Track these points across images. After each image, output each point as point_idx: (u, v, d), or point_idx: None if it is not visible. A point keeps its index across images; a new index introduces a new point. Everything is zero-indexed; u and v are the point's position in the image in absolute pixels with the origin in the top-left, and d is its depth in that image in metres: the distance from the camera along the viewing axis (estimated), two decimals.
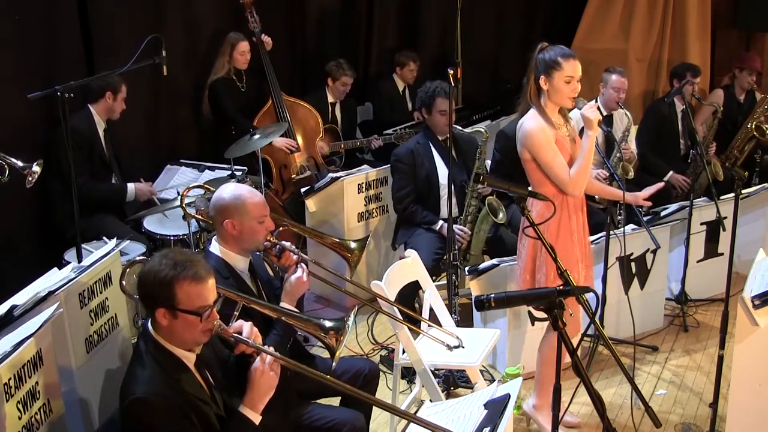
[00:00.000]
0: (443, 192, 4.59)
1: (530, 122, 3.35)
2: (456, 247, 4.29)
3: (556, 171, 3.34)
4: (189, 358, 2.39)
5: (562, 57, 3.29)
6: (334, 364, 2.58)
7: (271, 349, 2.39)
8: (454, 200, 4.56)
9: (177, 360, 2.35)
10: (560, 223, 3.39)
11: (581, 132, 3.55)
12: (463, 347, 3.49)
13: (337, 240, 3.46)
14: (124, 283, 2.79)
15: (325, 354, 2.73)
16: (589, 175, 3.42)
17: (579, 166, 3.35)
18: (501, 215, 4.39)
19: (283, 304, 2.90)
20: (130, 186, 4.57)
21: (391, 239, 4.92)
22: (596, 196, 4.99)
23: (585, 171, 3.36)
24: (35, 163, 3.43)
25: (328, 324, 2.58)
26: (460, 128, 4.62)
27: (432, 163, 4.58)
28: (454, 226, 4.42)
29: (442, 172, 4.56)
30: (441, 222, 4.54)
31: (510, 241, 4.47)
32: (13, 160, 3.39)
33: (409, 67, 6.34)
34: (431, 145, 4.61)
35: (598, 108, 3.52)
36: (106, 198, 4.52)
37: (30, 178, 3.43)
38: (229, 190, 2.90)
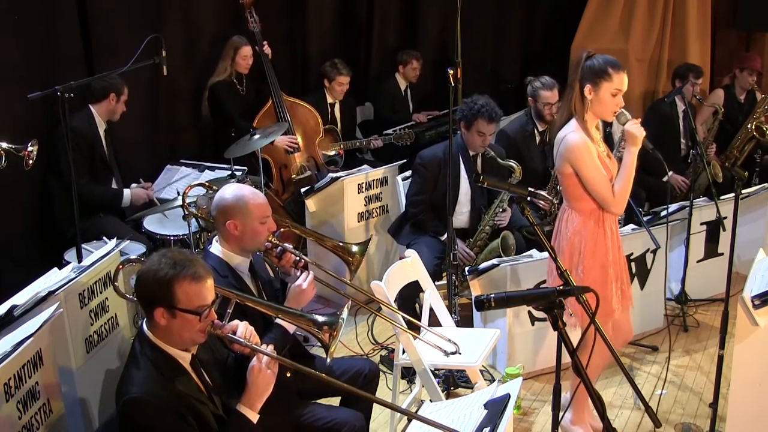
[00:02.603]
0: (462, 208, 4.52)
1: (574, 135, 3.21)
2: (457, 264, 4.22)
3: (601, 189, 3.22)
4: (185, 358, 2.38)
5: (612, 68, 3.15)
6: (328, 359, 2.57)
7: (269, 348, 2.39)
8: (467, 218, 4.55)
9: (173, 360, 2.35)
10: (597, 240, 3.30)
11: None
12: (459, 353, 3.44)
13: (339, 243, 3.43)
14: (117, 284, 2.79)
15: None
16: (629, 192, 3.30)
17: (622, 183, 3.23)
18: (510, 252, 4.37)
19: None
20: (126, 192, 4.57)
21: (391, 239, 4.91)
22: None
23: (627, 188, 3.25)
24: (29, 144, 3.40)
25: (321, 319, 2.56)
26: (494, 153, 4.49)
27: (456, 179, 4.44)
28: (460, 245, 4.39)
29: (464, 189, 4.50)
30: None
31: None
32: (3, 144, 3.36)
33: (411, 66, 6.34)
34: (461, 158, 4.48)
35: None
36: (102, 203, 4.52)
37: (29, 161, 3.40)
38: (232, 191, 2.88)
